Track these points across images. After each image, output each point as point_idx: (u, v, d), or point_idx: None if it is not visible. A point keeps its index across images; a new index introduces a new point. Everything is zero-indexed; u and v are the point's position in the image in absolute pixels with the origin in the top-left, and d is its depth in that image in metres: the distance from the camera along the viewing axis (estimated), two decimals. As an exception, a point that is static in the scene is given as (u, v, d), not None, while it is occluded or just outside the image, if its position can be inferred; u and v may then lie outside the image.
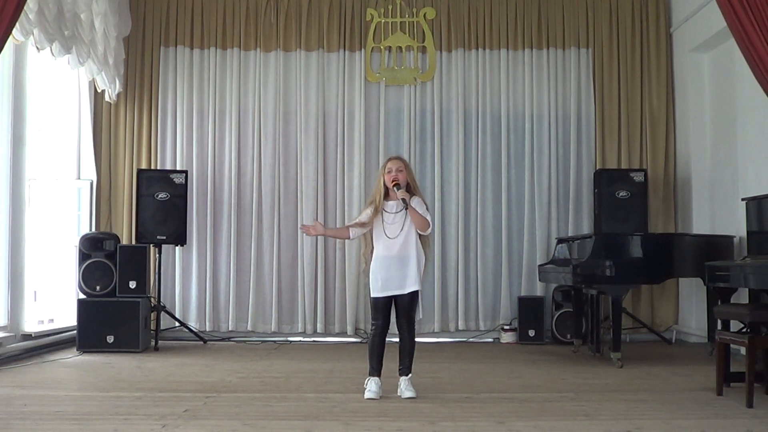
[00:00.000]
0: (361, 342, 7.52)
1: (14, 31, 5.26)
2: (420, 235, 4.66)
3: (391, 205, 4.67)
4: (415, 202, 4.64)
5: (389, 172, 4.66)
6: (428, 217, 4.64)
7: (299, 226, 4.83)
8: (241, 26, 7.99)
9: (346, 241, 7.70)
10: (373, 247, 4.71)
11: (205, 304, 7.75)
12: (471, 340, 7.76)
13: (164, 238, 7.22)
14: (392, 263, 4.60)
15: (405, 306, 4.63)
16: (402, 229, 4.62)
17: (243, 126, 7.94)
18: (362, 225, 4.72)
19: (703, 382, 5.12)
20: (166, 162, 7.86)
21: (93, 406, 4.34)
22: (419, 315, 4.73)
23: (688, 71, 7.67)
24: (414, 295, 4.62)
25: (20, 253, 6.34)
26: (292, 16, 7.99)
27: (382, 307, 4.64)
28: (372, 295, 4.67)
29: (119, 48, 7.62)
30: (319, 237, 7.75)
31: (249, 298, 7.76)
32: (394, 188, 4.61)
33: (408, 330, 4.66)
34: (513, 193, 7.90)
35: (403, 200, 4.56)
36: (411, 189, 4.69)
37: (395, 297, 4.63)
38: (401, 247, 4.61)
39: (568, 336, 7.32)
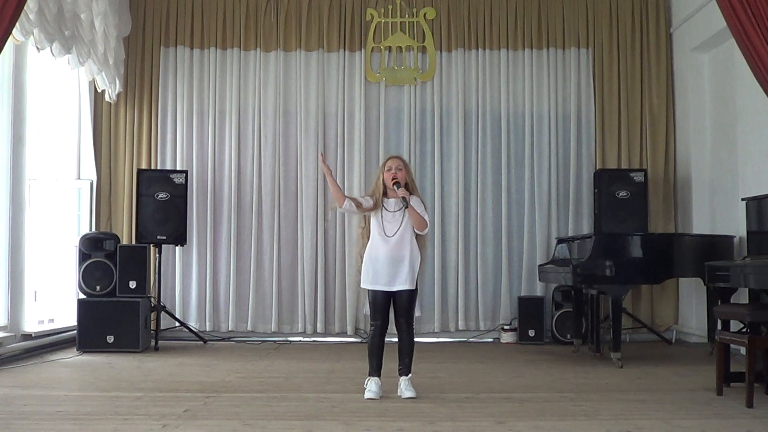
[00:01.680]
0: (361, 342, 7.52)
1: (14, 31, 5.26)
2: (417, 235, 4.66)
3: (391, 203, 4.67)
4: (414, 202, 4.64)
5: (389, 170, 4.67)
6: (426, 217, 4.65)
7: (320, 156, 4.76)
8: (241, 26, 7.99)
9: (347, 241, 7.72)
10: (366, 244, 4.70)
11: (205, 304, 7.75)
12: (471, 340, 7.76)
13: (164, 238, 7.22)
14: (386, 261, 4.60)
15: (404, 305, 4.63)
16: (399, 228, 4.63)
17: (243, 126, 7.94)
18: (358, 206, 4.68)
19: (703, 382, 5.12)
20: (166, 162, 7.86)
21: (93, 406, 4.34)
22: (417, 312, 4.74)
23: (688, 71, 7.67)
24: (412, 294, 4.63)
25: (20, 253, 6.34)
26: (292, 16, 7.99)
27: (380, 306, 4.63)
28: (362, 285, 4.69)
29: (119, 48, 7.62)
30: (319, 236, 7.77)
31: (249, 298, 7.77)
32: (394, 186, 4.62)
33: (407, 329, 4.66)
34: (513, 193, 7.90)
35: (403, 198, 4.57)
36: (409, 188, 4.69)
37: (393, 296, 4.63)
38: (396, 246, 4.61)
39: (568, 336, 7.32)
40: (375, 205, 4.68)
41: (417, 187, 4.87)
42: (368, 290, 4.68)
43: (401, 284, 4.59)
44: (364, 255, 4.69)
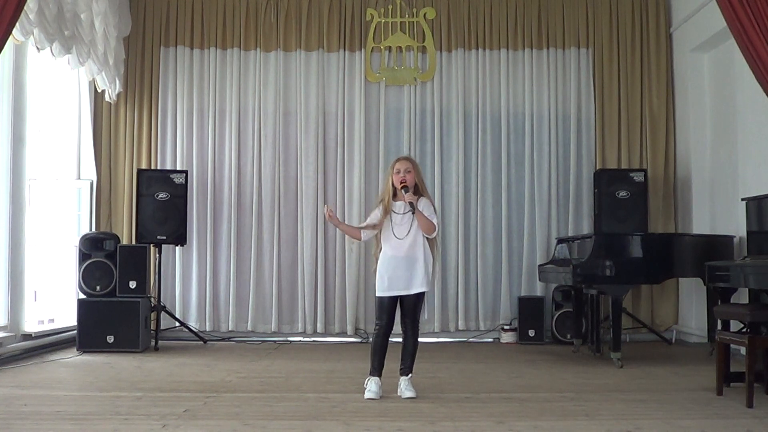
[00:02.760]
0: (361, 342, 7.52)
1: (14, 31, 5.25)
2: (427, 237, 4.66)
3: (399, 205, 4.66)
4: (423, 205, 4.63)
5: (398, 172, 4.65)
6: (435, 221, 4.63)
7: (326, 211, 4.73)
8: (241, 26, 7.99)
9: (347, 241, 7.71)
10: (381, 247, 4.71)
11: (205, 304, 7.75)
12: (471, 340, 7.76)
13: (164, 238, 7.22)
14: (400, 263, 4.60)
15: (411, 306, 4.63)
16: (410, 229, 4.62)
17: (243, 126, 7.94)
18: (373, 227, 4.71)
19: (703, 382, 5.12)
20: (166, 162, 7.87)
21: (93, 406, 4.34)
22: (423, 316, 4.72)
23: (688, 71, 7.67)
24: (420, 295, 4.63)
25: (20, 253, 6.34)
26: (292, 16, 7.99)
27: (387, 306, 4.63)
28: (377, 294, 4.66)
29: (119, 48, 7.62)
30: (319, 236, 7.77)
31: (249, 298, 7.76)
32: (402, 190, 4.61)
33: (412, 330, 4.66)
34: (513, 193, 7.90)
35: (411, 204, 4.56)
36: (419, 190, 4.68)
37: (401, 297, 4.63)
38: (409, 248, 4.61)
39: (568, 336, 7.32)
40: (385, 211, 4.68)
41: (426, 188, 4.86)
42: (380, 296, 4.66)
43: (417, 286, 4.59)
44: (378, 261, 4.68)
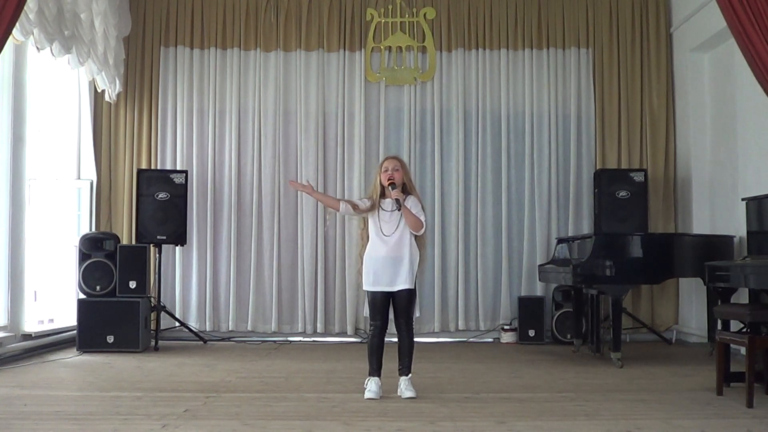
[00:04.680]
0: (361, 342, 7.52)
1: (14, 31, 5.25)
2: (415, 235, 4.67)
3: (388, 203, 4.68)
4: (410, 203, 4.66)
5: (385, 170, 4.68)
6: (422, 218, 4.65)
7: (289, 181, 4.84)
8: (241, 26, 7.99)
9: (347, 241, 7.72)
10: (366, 244, 4.72)
11: (205, 304, 7.75)
12: (471, 340, 7.76)
13: (164, 238, 7.22)
14: (386, 261, 4.61)
15: (403, 305, 4.64)
16: (397, 227, 4.64)
17: (243, 126, 7.95)
18: (354, 207, 4.73)
19: (703, 382, 5.12)
20: (166, 162, 7.87)
21: (93, 406, 4.34)
22: (416, 313, 4.74)
23: (688, 71, 7.67)
24: (411, 293, 4.64)
25: (20, 253, 6.34)
26: (292, 16, 7.99)
27: (380, 306, 4.64)
28: (365, 288, 4.70)
29: (119, 48, 7.62)
30: (319, 236, 7.77)
31: (249, 298, 7.77)
32: (390, 188, 4.63)
33: (406, 329, 4.67)
34: (513, 193, 7.90)
35: (397, 200, 4.57)
36: (407, 188, 4.71)
37: (392, 296, 4.63)
38: (395, 246, 4.62)
39: (568, 336, 7.32)
40: (372, 206, 4.69)
41: (415, 186, 4.89)
42: (368, 291, 4.69)
43: (402, 284, 4.60)
44: (364, 257, 4.71)
